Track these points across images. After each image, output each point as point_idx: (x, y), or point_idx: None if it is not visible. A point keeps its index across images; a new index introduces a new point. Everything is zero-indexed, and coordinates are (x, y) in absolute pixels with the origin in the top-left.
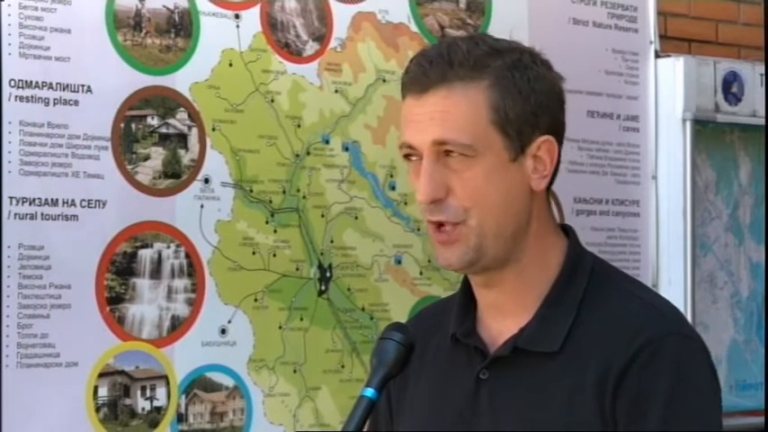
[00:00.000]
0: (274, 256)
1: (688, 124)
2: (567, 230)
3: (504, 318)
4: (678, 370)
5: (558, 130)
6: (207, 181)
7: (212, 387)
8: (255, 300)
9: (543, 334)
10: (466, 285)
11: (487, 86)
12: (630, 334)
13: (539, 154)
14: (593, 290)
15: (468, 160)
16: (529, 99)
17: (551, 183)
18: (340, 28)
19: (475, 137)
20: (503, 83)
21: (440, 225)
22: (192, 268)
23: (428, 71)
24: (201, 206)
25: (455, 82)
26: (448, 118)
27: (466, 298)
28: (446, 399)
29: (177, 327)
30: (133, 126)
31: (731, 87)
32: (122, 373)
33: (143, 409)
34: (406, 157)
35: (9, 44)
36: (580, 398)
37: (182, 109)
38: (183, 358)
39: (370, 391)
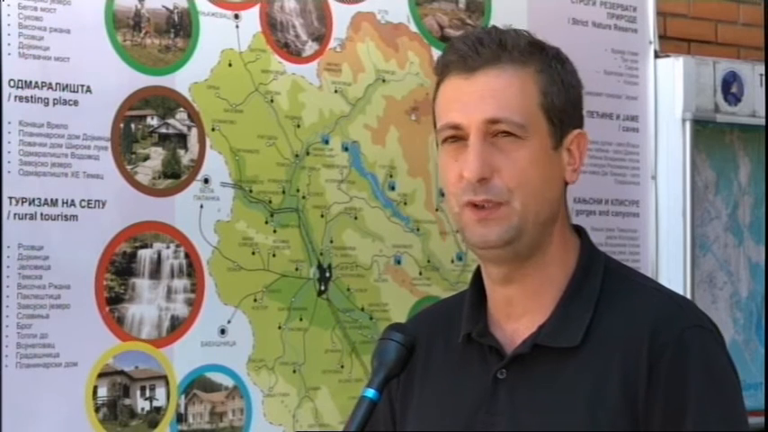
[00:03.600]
0: (274, 256)
1: (688, 124)
2: (578, 230)
3: (517, 318)
4: (705, 364)
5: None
6: (206, 181)
7: (212, 387)
8: (255, 300)
9: (563, 329)
10: (476, 286)
11: (536, 72)
12: (652, 327)
13: (571, 147)
14: (609, 286)
15: (518, 141)
16: (569, 91)
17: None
18: (339, 28)
19: (527, 118)
20: (549, 71)
21: (477, 204)
22: (192, 268)
23: (481, 51)
24: (201, 206)
25: (507, 63)
26: (501, 97)
27: (477, 298)
28: (459, 399)
29: (177, 327)
30: (133, 126)
31: (731, 87)
32: (122, 373)
33: (142, 409)
34: (446, 140)
35: (9, 44)
36: (605, 392)
37: (181, 109)
38: (182, 358)
39: (371, 392)
